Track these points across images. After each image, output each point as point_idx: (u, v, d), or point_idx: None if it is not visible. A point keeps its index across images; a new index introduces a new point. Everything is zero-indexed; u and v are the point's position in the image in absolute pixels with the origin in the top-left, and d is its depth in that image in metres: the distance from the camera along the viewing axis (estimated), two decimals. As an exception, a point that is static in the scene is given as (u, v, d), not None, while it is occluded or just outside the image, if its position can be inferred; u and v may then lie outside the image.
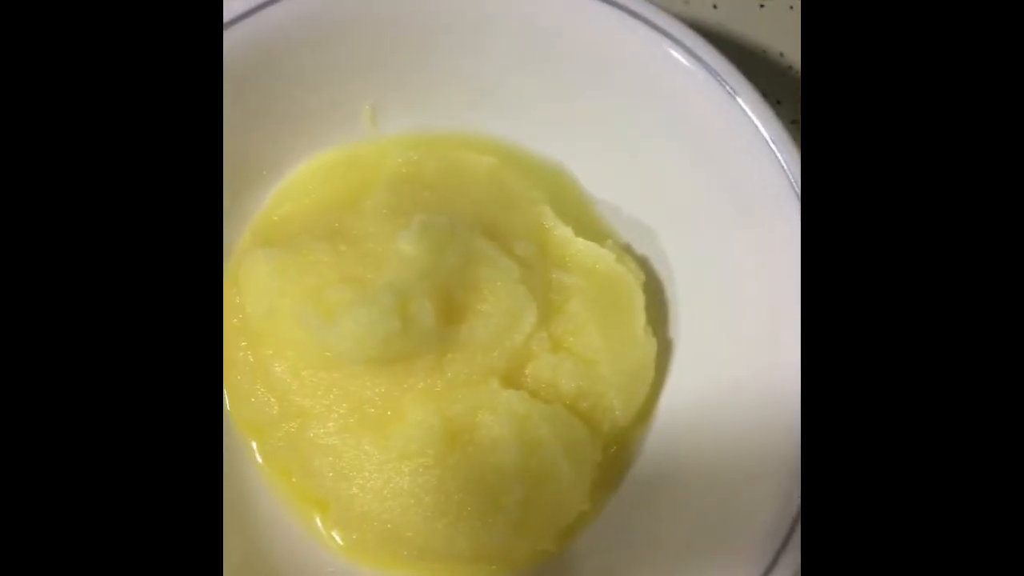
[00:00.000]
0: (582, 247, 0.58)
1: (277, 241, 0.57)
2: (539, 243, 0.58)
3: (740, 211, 0.54)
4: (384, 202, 0.57)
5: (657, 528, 0.55)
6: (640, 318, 0.57)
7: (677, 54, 0.53)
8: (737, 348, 0.55)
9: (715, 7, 0.73)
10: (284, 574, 0.56)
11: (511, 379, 0.55)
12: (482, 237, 0.55)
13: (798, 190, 0.51)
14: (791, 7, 0.73)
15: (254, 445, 0.59)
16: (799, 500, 0.48)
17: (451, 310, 0.53)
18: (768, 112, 0.52)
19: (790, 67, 0.72)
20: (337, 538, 0.57)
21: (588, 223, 0.63)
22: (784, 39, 0.72)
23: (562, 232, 0.58)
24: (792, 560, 0.47)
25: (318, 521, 0.57)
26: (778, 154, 0.51)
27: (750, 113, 0.51)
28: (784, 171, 0.51)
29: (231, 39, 0.54)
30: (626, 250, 0.61)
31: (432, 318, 0.52)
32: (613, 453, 0.58)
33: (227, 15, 0.53)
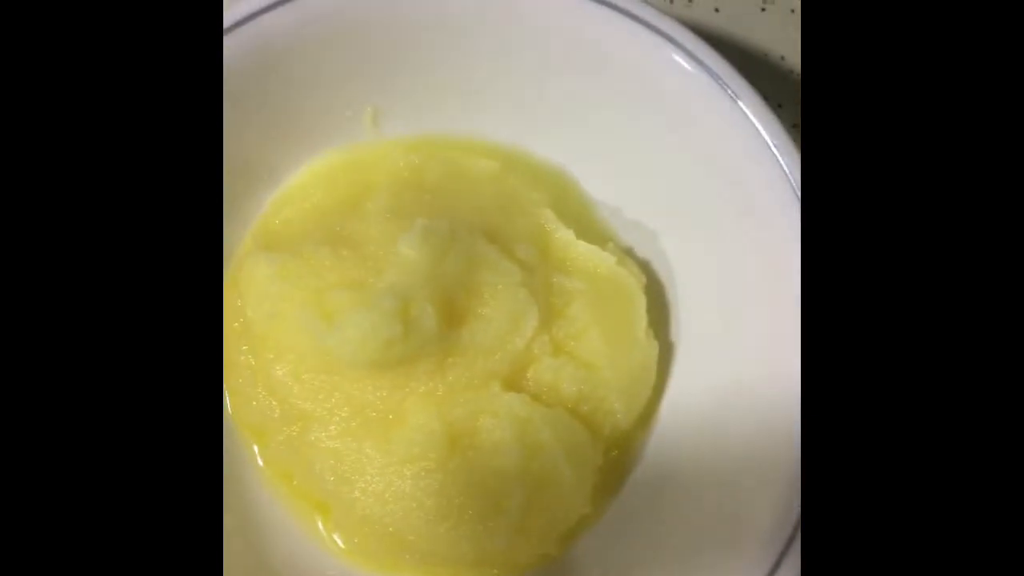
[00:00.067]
0: (583, 250, 0.58)
1: (278, 245, 0.57)
2: (540, 246, 0.58)
3: (742, 214, 0.54)
4: (385, 206, 0.57)
5: (659, 531, 0.55)
6: (642, 321, 0.57)
7: (679, 58, 0.53)
8: (739, 351, 0.55)
9: (717, 10, 0.73)
10: (285, 578, 0.56)
11: (512, 383, 0.55)
12: (483, 241, 0.55)
13: (799, 193, 0.51)
14: (792, 10, 0.73)
15: (255, 448, 0.59)
16: (800, 505, 0.48)
17: (452, 314, 0.53)
18: (769, 115, 0.52)
19: (791, 71, 0.72)
20: (338, 541, 0.57)
21: (589, 226, 0.62)
22: (786, 42, 0.72)
23: (563, 235, 0.58)
24: (794, 563, 0.47)
25: (319, 524, 0.57)
26: (779, 157, 0.51)
27: (751, 117, 0.51)
28: (785, 174, 0.51)
29: (231, 44, 0.54)
30: (628, 253, 0.61)
31: (433, 322, 0.52)
32: (614, 456, 0.58)
33: (227, 20, 0.53)
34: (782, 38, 0.72)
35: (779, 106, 0.70)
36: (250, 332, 0.56)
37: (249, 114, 0.57)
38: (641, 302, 0.58)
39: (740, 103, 0.52)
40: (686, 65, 0.53)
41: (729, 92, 0.52)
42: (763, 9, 0.73)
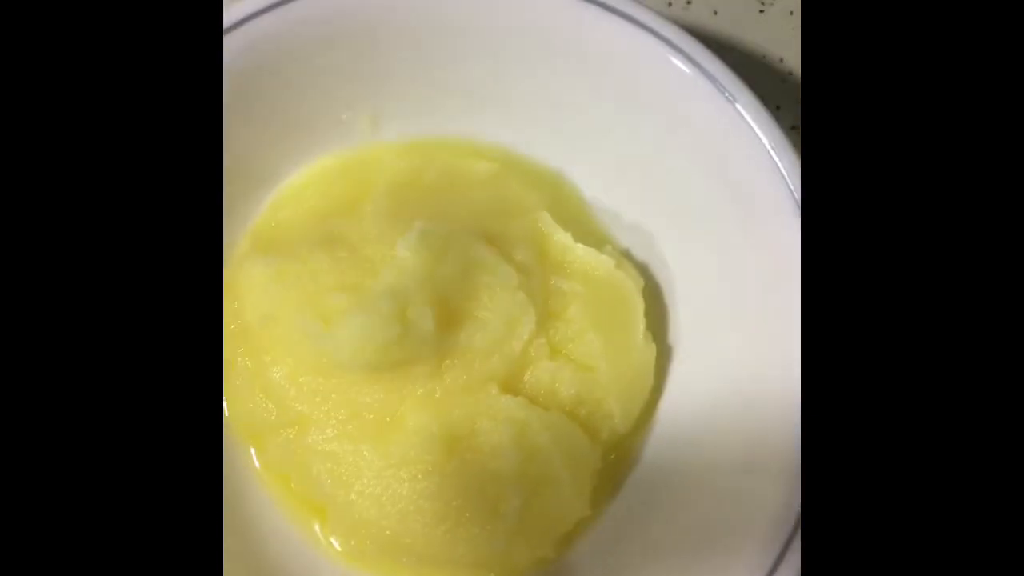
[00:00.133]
0: (581, 253, 0.58)
1: (275, 247, 0.57)
2: (538, 249, 0.58)
3: (740, 217, 0.54)
4: (383, 208, 0.57)
5: (657, 534, 0.55)
6: (639, 324, 0.57)
7: (676, 60, 0.53)
8: (737, 354, 0.55)
9: (715, 13, 0.73)
10: (282, 580, 0.56)
11: (510, 386, 0.54)
12: (481, 243, 0.55)
13: (797, 196, 0.50)
14: (791, 12, 0.73)
15: (252, 451, 0.59)
16: (800, 506, 0.48)
17: (450, 316, 0.53)
18: (767, 118, 0.51)
19: (790, 72, 0.72)
20: (336, 544, 0.57)
21: (587, 229, 0.62)
22: (784, 44, 0.72)
23: (561, 238, 0.58)
24: (793, 565, 0.47)
25: (316, 527, 0.57)
26: (777, 160, 0.51)
27: (749, 119, 0.51)
28: (783, 177, 0.51)
29: (229, 45, 0.53)
30: (625, 256, 0.61)
31: (431, 324, 0.52)
32: (612, 459, 0.58)
33: (225, 22, 0.53)
34: (780, 40, 0.72)
35: (777, 108, 0.70)
36: (247, 334, 0.56)
37: (246, 115, 0.57)
38: (639, 305, 0.58)
39: (737, 105, 0.52)
40: (683, 67, 0.53)
41: (726, 94, 0.52)
42: (761, 11, 0.73)
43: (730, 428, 0.54)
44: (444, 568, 0.54)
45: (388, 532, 0.52)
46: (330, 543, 0.57)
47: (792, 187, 0.51)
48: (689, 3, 0.73)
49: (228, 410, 0.58)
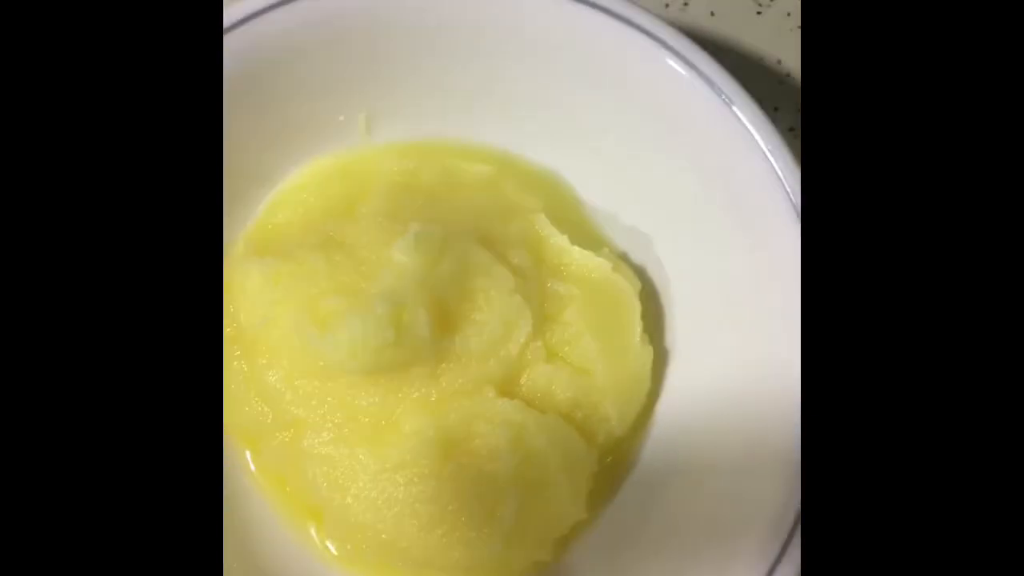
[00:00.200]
0: (578, 256, 0.58)
1: (271, 250, 0.57)
2: (535, 252, 0.58)
3: (736, 219, 0.54)
4: (379, 211, 0.57)
5: (653, 537, 0.55)
6: (636, 327, 0.57)
7: (673, 62, 0.53)
8: (734, 357, 0.55)
9: (712, 14, 0.73)
10: (277, 584, 0.55)
11: (506, 389, 0.54)
12: (477, 246, 0.55)
13: (794, 198, 0.50)
14: (788, 13, 0.73)
15: (248, 455, 0.59)
16: (798, 509, 0.48)
17: (446, 319, 0.53)
18: (764, 120, 0.51)
19: (788, 74, 0.72)
20: (331, 548, 0.57)
21: (584, 231, 0.62)
22: (781, 45, 0.72)
23: (558, 241, 0.58)
24: (792, 568, 0.47)
25: (312, 531, 0.57)
26: (774, 162, 0.51)
27: (746, 122, 0.51)
28: (780, 179, 0.51)
29: (226, 46, 0.54)
30: (622, 258, 0.61)
31: (427, 328, 0.51)
32: (609, 462, 0.58)
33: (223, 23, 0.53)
34: (778, 41, 0.72)
35: (775, 109, 0.69)
36: (243, 337, 0.56)
37: (242, 117, 0.57)
38: (636, 308, 0.57)
39: (734, 107, 0.52)
40: (680, 70, 0.53)
41: (723, 96, 0.52)
42: (759, 12, 0.73)
43: (727, 430, 0.54)
44: (440, 571, 0.54)
45: (384, 536, 0.52)
46: (326, 547, 0.57)
47: (789, 189, 0.51)
48: (686, 4, 0.73)
49: (224, 413, 0.58)
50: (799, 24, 0.72)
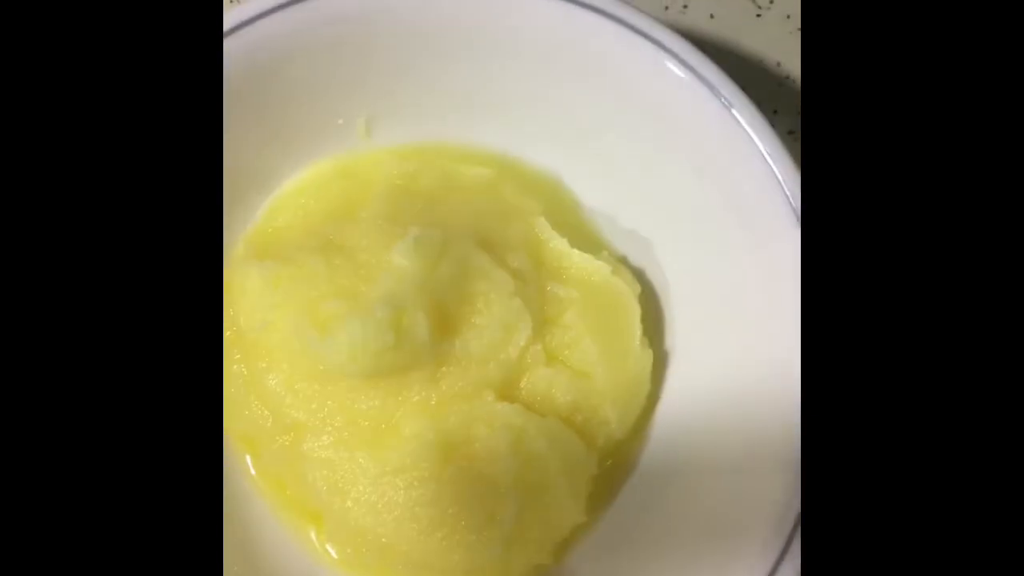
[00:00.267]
0: (578, 259, 0.58)
1: (271, 253, 0.57)
2: (534, 255, 0.58)
3: (736, 222, 0.54)
4: (379, 214, 0.57)
5: (654, 540, 0.55)
6: (636, 330, 0.57)
7: (672, 65, 0.53)
8: (734, 360, 0.55)
9: (712, 16, 0.73)
10: (278, 588, 0.55)
11: (506, 392, 0.54)
12: (477, 249, 0.55)
13: (793, 201, 0.50)
14: (788, 16, 0.73)
15: (248, 458, 0.59)
16: (798, 512, 0.48)
17: (446, 323, 0.53)
18: (763, 123, 0.51)
19: (787, 76, 0.72)
20: (331, 552, 0.57)
21: (584, 235, 0.62)
22: (781, 48, 0.72)
23: (557, 244, 0.58)
24: (793, 567, 0.47)
25: (312, 535, 0.57)
26: (773, 166, 0.51)
27: (745, 124, 0.51)
28: (779, 183, 0.51)
29: (226, 48, 0.53)
30: (622, 262, 0.61)
31: (426, 331, 0.51)
32: (609, 466, 0.58)
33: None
34: (778, 44, 0.72)
35: (775, 112, 0.69)
36: (242, 341, 0.56)
37: (242, 121, 0.57)
38: (635, 311, 0.57)
39: (734, 110, 0.52)
40: (679, 73, 0.53)
41: (723, 99, 0.52)
42: (758, 15, 0.73)
43: (727, 432, 0.54)
44: (440, 575, 0.54)
45: (384, 539, 0.52)
46: (326, 550, 0.57)
47: (788, 192, 0.51)
48: (686, 7, 0.73)
49: (224, 417, 0.58)
50: (799, 27, 0.72)
